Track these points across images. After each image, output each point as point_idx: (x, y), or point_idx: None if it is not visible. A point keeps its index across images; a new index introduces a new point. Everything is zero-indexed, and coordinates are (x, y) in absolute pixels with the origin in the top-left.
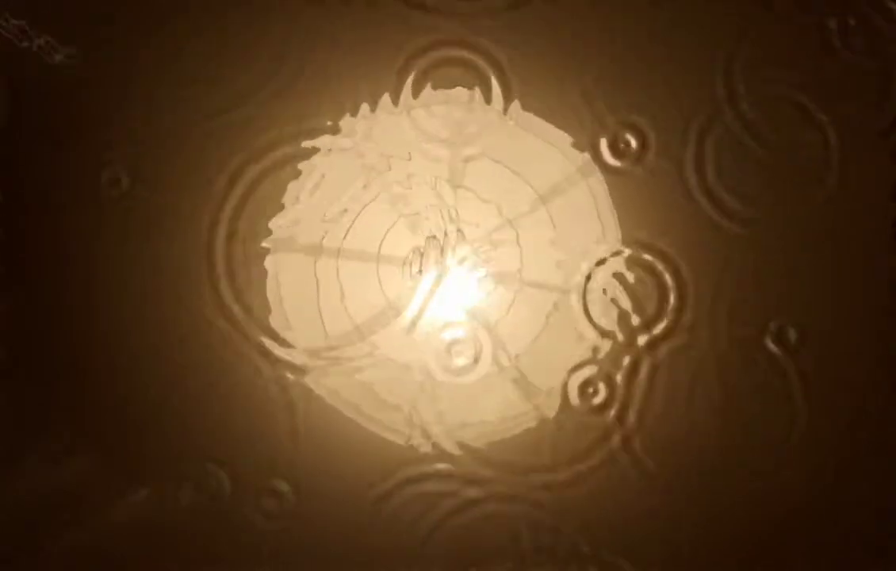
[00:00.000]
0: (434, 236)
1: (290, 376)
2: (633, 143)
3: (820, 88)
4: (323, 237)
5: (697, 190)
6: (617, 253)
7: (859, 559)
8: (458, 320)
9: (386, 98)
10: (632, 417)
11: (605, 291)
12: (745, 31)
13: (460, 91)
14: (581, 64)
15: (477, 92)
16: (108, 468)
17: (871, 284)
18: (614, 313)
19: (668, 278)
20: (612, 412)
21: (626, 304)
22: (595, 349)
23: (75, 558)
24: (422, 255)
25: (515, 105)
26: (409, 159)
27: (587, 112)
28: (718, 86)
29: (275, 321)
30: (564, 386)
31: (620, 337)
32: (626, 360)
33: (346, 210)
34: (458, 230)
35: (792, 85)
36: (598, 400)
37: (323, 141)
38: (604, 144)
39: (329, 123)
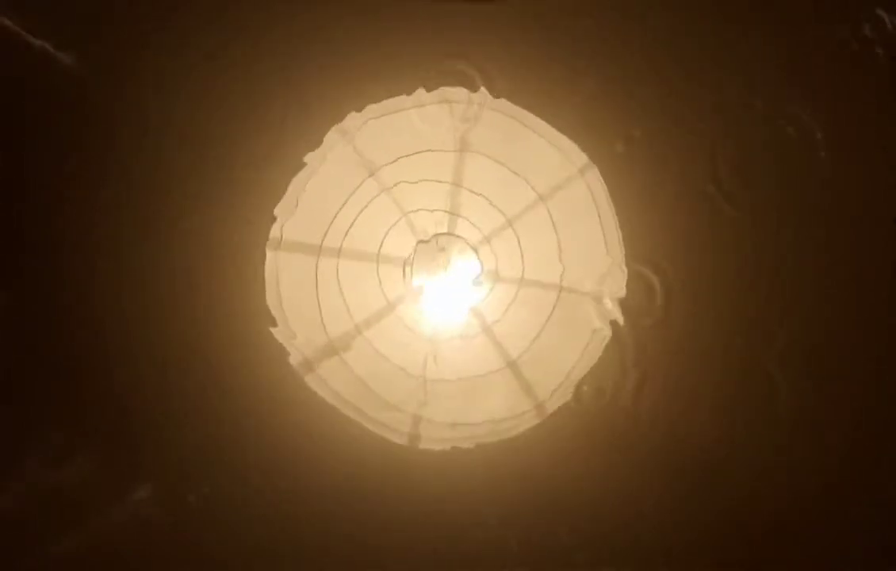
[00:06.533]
0: (434, 236)
1: (289, 375)
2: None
3: None
4: (323, 237)
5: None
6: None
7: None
8: (458, 319)
9: (387, 97)
10: (632, 414)
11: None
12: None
13: (462, 91)
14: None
15: (478, 93)
16: (108, 468)
17: (870, 281)
18: (616, 311)
19: (667, 273)
20: (612, 409)
21: (627, 301)
22: (596, 347)
23: (76, 558)
24: (422, 255)
25: (518, 105)
26: (411, 159)
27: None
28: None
29: (274, 321)
30: (564, 385)
31: (621, 335)
32: (627, 358)
33: (345, 210)
34: (459, 231)
35: None
36: (599, 398)
37: (323, 141)
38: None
39: (329, 123)
